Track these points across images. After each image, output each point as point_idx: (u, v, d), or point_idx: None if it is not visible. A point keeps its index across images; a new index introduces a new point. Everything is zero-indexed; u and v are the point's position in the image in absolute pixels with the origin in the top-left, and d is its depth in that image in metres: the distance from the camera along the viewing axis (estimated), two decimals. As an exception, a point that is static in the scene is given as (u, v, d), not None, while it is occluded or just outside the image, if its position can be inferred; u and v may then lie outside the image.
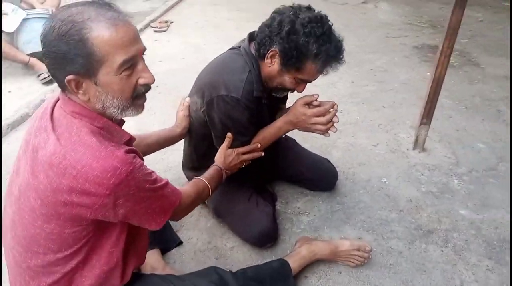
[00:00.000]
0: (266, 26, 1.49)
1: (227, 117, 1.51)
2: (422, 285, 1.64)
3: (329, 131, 1.55)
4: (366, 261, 1.69)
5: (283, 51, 1.42)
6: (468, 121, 2.85)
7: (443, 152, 2.48)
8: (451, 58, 2.22)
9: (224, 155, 1.51)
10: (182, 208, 1.21)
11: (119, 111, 1.02)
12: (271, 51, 1.46)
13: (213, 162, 1.68)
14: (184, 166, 1.90)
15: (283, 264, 1.55)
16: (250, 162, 1.60)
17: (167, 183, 1.11)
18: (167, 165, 2.25)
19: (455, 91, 3.23)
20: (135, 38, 0.99)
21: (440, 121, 2.78)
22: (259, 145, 1.60)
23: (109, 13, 0.95)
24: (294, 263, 1.57)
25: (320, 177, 2.03)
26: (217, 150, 1.59)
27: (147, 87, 1.04)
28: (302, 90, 1.54)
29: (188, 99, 1.67)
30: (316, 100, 1.54)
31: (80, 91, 0.98)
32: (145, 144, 1.55)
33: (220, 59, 1.57)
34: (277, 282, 1.48)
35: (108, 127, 1.03)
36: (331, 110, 1.52)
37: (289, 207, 1.99)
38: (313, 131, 1.57)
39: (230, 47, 1.63)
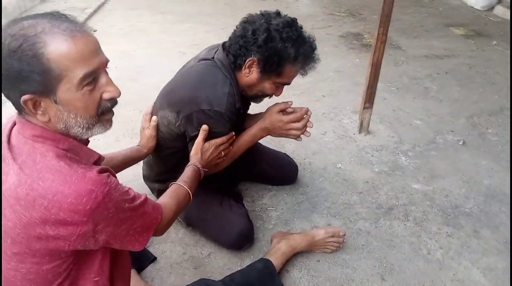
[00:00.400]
0: (239, 37, 1.47)
1: (209, 132, 1.47)
2: (395, 260, 1.73)
3: (301, 135, 1.60)
4: (341, 245, 1.74)
5: (263, 59, 1.43)
6: (401, 101, 3.04)
7: (386, 132, 2.63)
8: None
9: (201, 150, 1.46)
10: (164, 223, 1.14)
11: (84, 130, 0.93)
12: (249, 60, 1.45)
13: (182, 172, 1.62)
14: (148, 178, 1.81)
15: (266, 263, 1.54)
16: (225, 158, 1.57)
17: (146, 199, 1.03)
18: (121, 179, 2.13)
19: (384, 74, 3.40)
20: (96, 50, 0.90)
21: (377, 104, 2.91)
22: (233, 135, 1.57)
23: (64, 24, 0.87)
24: (276, 260, 1.57)
25: (282, 172, 2.06)
26: (187, 161, 1.56)
27: (113, 101, 0.96)
28: (281, 94, 1.56)
29: (155, 118, 1.59)
30: (290, 107, 1.58)
31: (39, 112, 0.88)
32: (112, 165, 1.45)
33: (196, 73, 1.51)
34: (265, 283, 1.47)
35: (75, 148, 0.94)
36: (305, 116, 1.56)
37: (256, 205, 1.99)
38: (286, 136, 1.62)
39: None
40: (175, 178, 1.64)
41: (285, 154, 2.14)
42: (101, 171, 0.91)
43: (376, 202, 2.05)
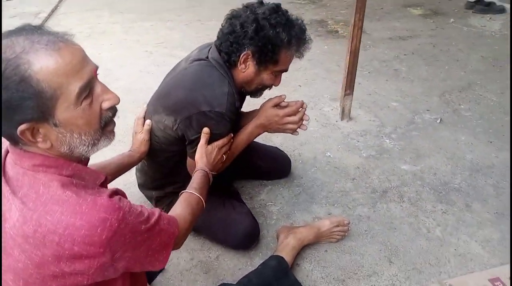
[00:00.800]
0: (228, 34, 1.43)
1: (210, 133, 1.43)
2: (398, 242, 1.77)
3: (298, 129, 1.59)
4: (346, 234, 1.76)
5: (257, 50, 1.40)
6: (376, 84, 3.10)
7: (367, 117, 2.67)
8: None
9: (206, 153, 1.42)
10: (181, 236, 1.10)
11: (90, 147, 0.87)
12: (244, 55, 1.42)
13: (180, 176, 1.58)
14: (144, 186, 1.75)
15: (279, 260, 1.53)
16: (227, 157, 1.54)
17: (160, 215, 0.97)
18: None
19: (355, 59, 3.48)
20: (84, 58, 0.83)
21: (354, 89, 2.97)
22: (232, 135, 1.55)
23: (44, 38, 0.79)
24: (287, 256, 1.57)
25: (277, 166, 2.06)
26: (184, 165, 1.51)
27: (114, 110, 0.90)
28: (280, 82, 1.54)
29: (149, 122, 1.53)
30: (284, 101, 1.56)
31: (39, 140, 0.81)
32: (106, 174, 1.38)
33: (191, 74, 1.46)
34: (281, 279, 1.46)
35: (79, 172, 0.88)
36: (300, 109, 1.54)
37: (254, 202, 1.97)
38: (283, 131, 1.59)
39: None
40: (172, 183, 1.60)
41: (276, 147, 2.14)
42: (112, 194, 0.85)
43: (370, 186, 2.08)
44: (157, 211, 0.97)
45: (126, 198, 0.91)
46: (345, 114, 2.60)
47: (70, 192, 0.80)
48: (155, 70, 3.28)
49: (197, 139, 1.44)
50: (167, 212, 1.09)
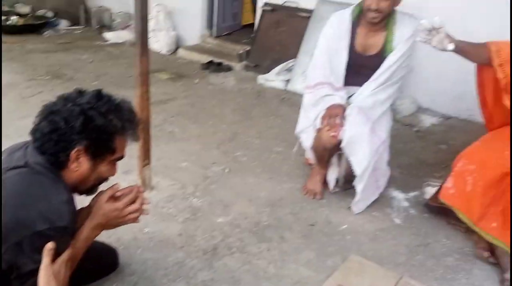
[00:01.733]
0: (49, 133, 1.27)
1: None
2: None
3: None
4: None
5: (91, 143, 1.29)
6: (159, 149, 3.16)
7: (166, 182, 2.73)
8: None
9: (54, 274, 1.16)
10: None
11: None
12: (75, 152, 1.29)
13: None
14: None
15: None
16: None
17: None
18: None
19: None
20: None
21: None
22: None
23: None
24: None
25: (102, 262, 1.86)
26: None
27: None
28: (116, 171, 1.44)
29: None
30: (117, 190, 1.47)
31: None
32: None
33: (14, 188, 1.17)
34: None
35: None
36: (138, 194, 1.48)
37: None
38: (124, 224, 1.51)
39: None
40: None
41: (95, 240, 1.93)
42: None
43: (200, 249, 2.14)
44: None
45: None
46: (147, 184, 2.58)
47: None
48: None
49: (32, 271, 1.18)
50: None
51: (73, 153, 1.29)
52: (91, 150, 1.31)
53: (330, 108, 2.46)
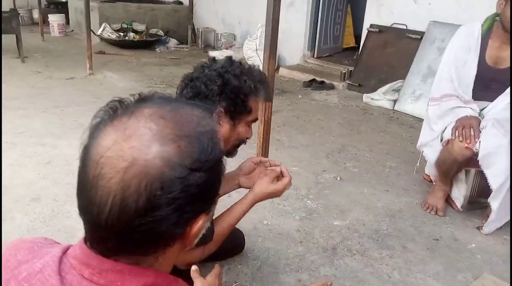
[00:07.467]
0: (192, 97, 1.34)
1: None
2: (375, 292, 1.80)
3: None
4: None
5: (230, 103, 1.35)
6: (269, 155, 3.24)
7: (280, 182, 2.74)
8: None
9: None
10: None
11: None
12: (217, 112, 1.33)
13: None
14: None
15: None
16: None
17: None
18: None
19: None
20: None
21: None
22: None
23: None
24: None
25: (233, 243, 1.89)
26: None
27: None
28: (252, 134, 1.50)
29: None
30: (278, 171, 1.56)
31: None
32: None
33: None
34: None
35: None
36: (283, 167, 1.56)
37: (221, 286, 1.75)
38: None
39: None
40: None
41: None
42: None
43: (319, 246, 2.10)
44: None
45: None
46: (262, 182, 2.62)
47: None
48: (28, 163, 2.75)
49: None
50: None
51: (215, 114, 1.35)
52: (230, 110, 1.37)
53: (463, 119, 2.32)
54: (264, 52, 2.40)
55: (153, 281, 0.58)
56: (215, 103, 1.33)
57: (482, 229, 2.32)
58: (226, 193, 1.59)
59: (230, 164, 1.50)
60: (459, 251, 2.15)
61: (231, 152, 1.49)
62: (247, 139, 1.50)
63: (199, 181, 0.55)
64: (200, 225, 0.58)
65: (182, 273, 1.37)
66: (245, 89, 1.36)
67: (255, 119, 1.47)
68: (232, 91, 1.34)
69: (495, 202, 2.22)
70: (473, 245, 2.22)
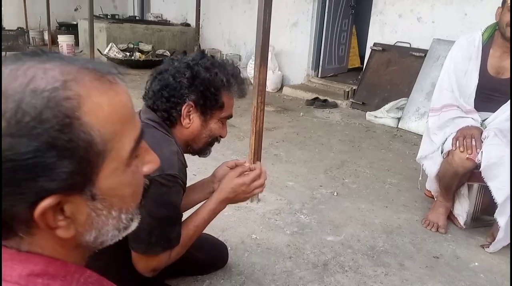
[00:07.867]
0: (160, 90, 1.27)
1: (161, 204, 1.16)
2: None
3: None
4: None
5: (199, 96, 1.28)
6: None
7: (273, 197, 2.63)
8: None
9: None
10: None
11: (121, 231, 0.57)
12: (185, 107, 1.28)
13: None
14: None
15: None
16: None
17: None
18: None
19: (234, 148, 3.53)
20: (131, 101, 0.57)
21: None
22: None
23: (89, 65, 0.52)
24: None
25: (215, 256, 1.80)
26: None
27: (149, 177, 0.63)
28: (227, 132, 1.41)
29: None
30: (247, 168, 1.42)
31: (61, 224, 0.49)
32: None
33: None
34: None
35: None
36: (262, 169, 1.43)
37: (199, 301, 1.63)
38: (246, 200, 1.44)
39: None
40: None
41: (208, 234, 1.87)
42: None
43: (309, 262, 1.97)
44: None
45: None
46: (253, 197, 2.51)
47: None
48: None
49: (142, 225, 1.14)
50: None
51: (184, 108, 1.27)
52: (200, 105, 1.29)
53: (463, 129, 2.21)
54: (255, 59, 2.34)
55: (43, 269, 0.48)
56: (184, 96, 1.26)
57: (487, 247, 2.16)
58: (201, 201, 1.48)
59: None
60: (460, 270, 2.00)
61: (203, 150, 1.40)
62: (221, 138, 1.41)
63: (22, 150, 0.44)
64: (45, 205, 0.46)
65: (149, 280, 1.28)
66: (216, 83, 1.28)
67: (229, 116, 1.39)
68: (202, 83, 1.27)
69: (502, 218, 2.08)
70: (476, 263, 2.07)
